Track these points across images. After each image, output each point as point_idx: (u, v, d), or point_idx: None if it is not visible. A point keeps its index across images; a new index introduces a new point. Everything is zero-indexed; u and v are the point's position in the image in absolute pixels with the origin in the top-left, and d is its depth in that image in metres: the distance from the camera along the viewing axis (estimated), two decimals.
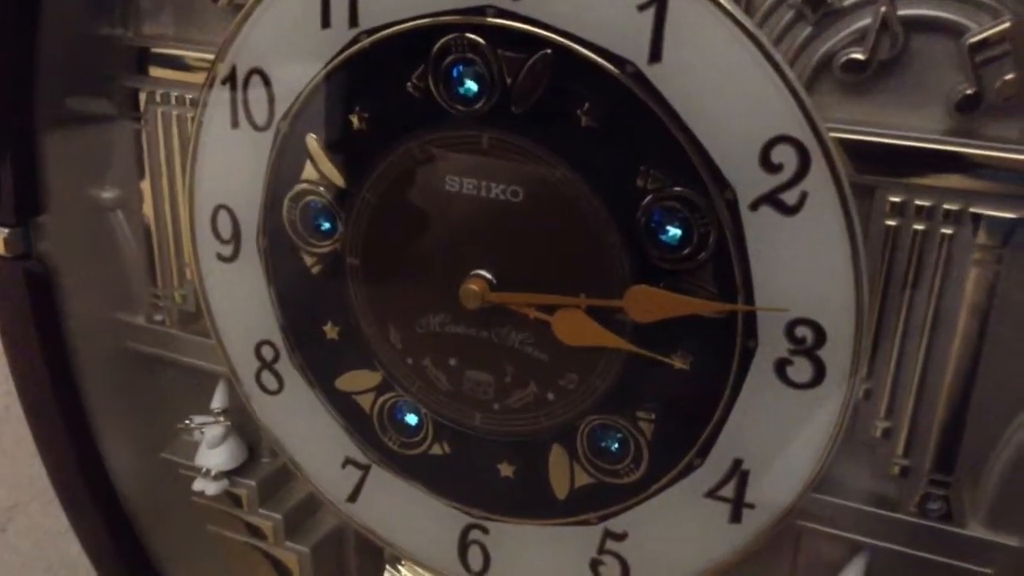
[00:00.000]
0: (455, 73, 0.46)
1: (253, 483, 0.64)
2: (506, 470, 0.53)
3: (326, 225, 0.53)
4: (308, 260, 0.54)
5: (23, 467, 0.85)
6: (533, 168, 0.46)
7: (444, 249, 0.50)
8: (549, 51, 0.44)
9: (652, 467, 0.49)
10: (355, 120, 0.50)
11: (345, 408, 0.56)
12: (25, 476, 0.88)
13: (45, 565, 0.94)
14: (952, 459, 0.45)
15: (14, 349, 0.61)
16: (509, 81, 0.45)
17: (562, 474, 0.52)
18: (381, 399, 0.55)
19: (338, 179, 0.51)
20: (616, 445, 0.50)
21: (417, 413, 0.55)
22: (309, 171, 0.52)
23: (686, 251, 0.44)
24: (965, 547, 0.45)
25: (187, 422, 0.63)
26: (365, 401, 0.55)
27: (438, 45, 0.46)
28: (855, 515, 0.47)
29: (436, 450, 0.54)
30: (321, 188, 0.52)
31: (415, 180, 0.49)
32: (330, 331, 0.55)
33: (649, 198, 0.44)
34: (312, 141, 0.51)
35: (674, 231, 0.45)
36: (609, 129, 0.44)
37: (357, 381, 0.55)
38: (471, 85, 0.46)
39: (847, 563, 0.49)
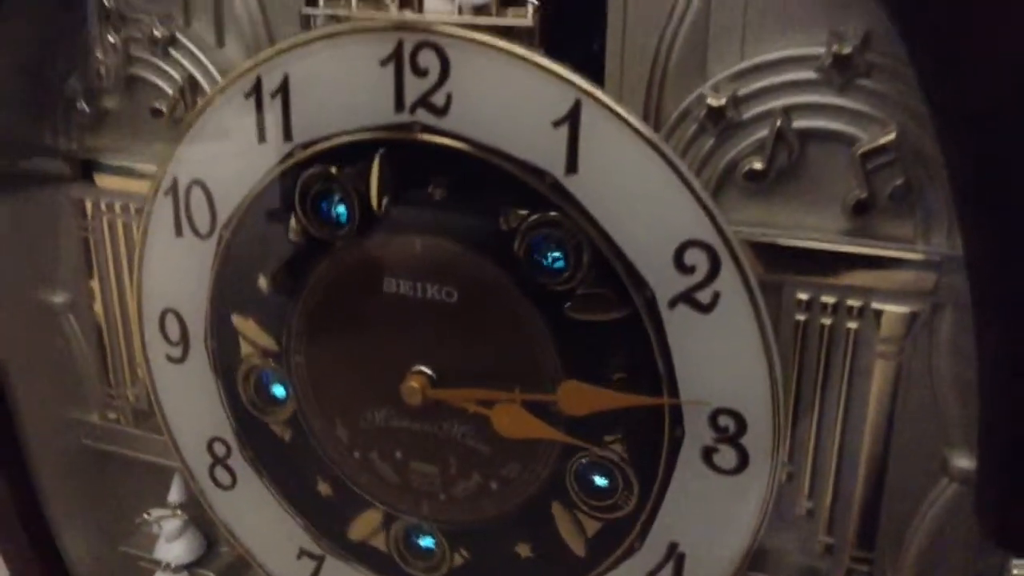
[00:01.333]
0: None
1: (211, 574, 0.65)
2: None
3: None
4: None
5: None
6: (466, 271, 0.48)
7: (386, 347, 0.52)
8: (476, 164, 0.46)
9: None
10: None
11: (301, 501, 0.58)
12: None
13: None
14: (872, 536, 0.47)
15: None
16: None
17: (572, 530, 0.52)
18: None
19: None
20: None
21: (432, 535, 0.55)
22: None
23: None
24: None
25: (145, 516, 0.64)
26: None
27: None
28: None
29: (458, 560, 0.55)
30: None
31: (355, 278, 0.51)
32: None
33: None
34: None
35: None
36: (536, 235, 0.46)
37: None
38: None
39: None
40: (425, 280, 0.49)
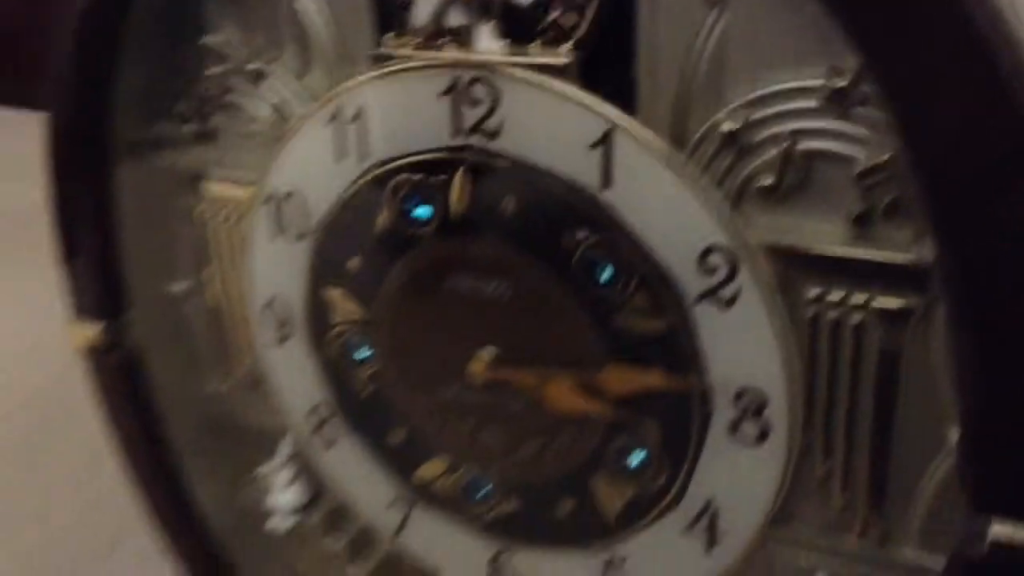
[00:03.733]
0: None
1: (318, 517, 0.76)
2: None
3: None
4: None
5: (126, 494, 0.91)
6: (521, 270, 0.55)
7: (456, 332, 0.60)
8: (524, 180, 0.53)
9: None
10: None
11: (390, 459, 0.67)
12: (128, 503, 0.97)
13: None
14: (882, 495, 0.53)
15: (115, 423, 0.74)
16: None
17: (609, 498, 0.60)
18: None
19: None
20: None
21: (490, 487, 0.63)
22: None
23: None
24: (900, 566, 0.54)
25: (261, 469, 0.75)
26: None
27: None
28: (812, 541, 0.56)
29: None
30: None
31: (428, 273, 0.59)
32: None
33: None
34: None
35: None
36: (575, 241, 0.53)
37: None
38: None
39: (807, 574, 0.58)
40: (488, 276, 0.57)
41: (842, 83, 0.45)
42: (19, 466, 1.31)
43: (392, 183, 0.57)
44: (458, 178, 0.55)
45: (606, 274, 0.53)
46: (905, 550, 0.54)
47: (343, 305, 0.62)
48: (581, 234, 0.53)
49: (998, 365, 0.42)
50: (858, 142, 0.46)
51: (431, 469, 0.65)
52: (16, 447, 1.35)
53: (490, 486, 0.64)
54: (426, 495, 0.66)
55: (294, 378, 0.68)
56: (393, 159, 0.56)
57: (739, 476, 0.55)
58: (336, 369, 0.65)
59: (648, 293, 0.52)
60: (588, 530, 0.61)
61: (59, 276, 0.70)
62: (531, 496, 0.62)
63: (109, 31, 0.62)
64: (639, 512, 0.59)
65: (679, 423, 0.55)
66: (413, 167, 0.56)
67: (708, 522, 0.57)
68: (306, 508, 0.76)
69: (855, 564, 0.56)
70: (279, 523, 0.76)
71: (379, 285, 0.61)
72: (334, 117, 0.57)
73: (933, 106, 0.38)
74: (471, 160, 0.54)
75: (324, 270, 0.62)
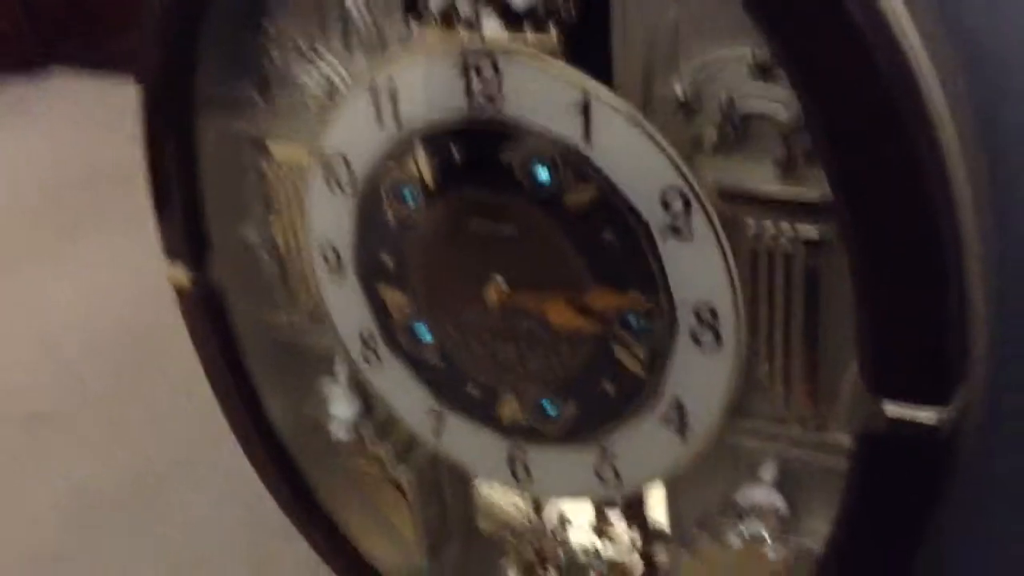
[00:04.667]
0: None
1: (371, 425, 0.91)
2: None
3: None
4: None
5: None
6: (520, 214, 0.69)
7: (474, 267, 0.73)
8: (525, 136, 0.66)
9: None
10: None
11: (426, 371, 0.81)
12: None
13: (231, 490, 1.25)
14: (814, 392, 0.65)
15: (200, 349, 0.89)
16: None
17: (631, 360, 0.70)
18: None
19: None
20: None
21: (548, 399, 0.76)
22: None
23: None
24: (832, 447, 0.67)
25: (321, 384, 0.90)
26: None
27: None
28: (764, 429, 0.69)
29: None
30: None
31: (447, 221, 0.73)
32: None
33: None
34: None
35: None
36: (565, 186, 0.66)
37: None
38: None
39: (763, 459, 0.71)
40: (495, 220, 0.70)
41: (764, 58, 0.57)
42: (123, 391, 1.51)
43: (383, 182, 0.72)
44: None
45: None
46: (839, 435, 0.67)
47: (394, 300, 0.77)
48: (568, 180, 0.66)
49: (878, 278, 0.54)
50: (780, 103, 0.58)
51: (508, 409, 0.78)
52: (122, 373, 1.55)
53: (549, 399, 0.76)
54: (460, 405, 0.80)
55: (346, 309, 0.83)
56: (422, 124, 0.70)
57: (701, 377, 0.68)
58: (378, 303, 0.80)
59: (623, 226, 0.65)
60: (587, 423, 0.75)
61: (153, 224, 0.85)
62: (582, 390, 0.74)
63: (195, 11, 0.76)
64: (623, 408, 0.72)
65: (655, 333, 0.68)
66: (438, 129, 0.69)
67: (678, 415, 0.70)
68: (361, 419, 0.91)
69: (799, 446, 0.68)
70: (339, 432, 0.91)
71: (408, 259, 0.74)
72: (372, 91, 0.71)
73: (817, 79, 0.51)
74: (483, 124, 0.67)
75: (367, 217, 0.76)
